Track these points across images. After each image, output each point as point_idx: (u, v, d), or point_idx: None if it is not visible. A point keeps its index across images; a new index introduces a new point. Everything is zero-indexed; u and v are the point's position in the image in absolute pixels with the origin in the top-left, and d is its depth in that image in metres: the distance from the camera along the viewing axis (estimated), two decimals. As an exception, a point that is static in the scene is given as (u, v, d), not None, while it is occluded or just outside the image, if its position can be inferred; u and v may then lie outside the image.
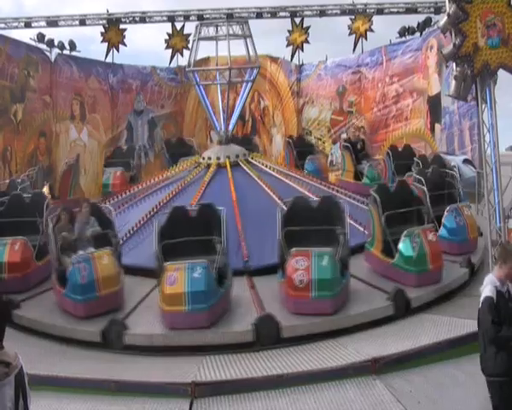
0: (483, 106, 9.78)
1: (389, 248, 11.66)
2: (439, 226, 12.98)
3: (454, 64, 9.89)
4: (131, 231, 13.72)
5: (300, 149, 21.34)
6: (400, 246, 11.42)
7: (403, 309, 10.61)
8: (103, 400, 8.17)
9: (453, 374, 8.42)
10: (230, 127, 17.09)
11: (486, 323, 5.96)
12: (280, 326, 9.87)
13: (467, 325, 9.63)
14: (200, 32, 16.96)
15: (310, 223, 11.19)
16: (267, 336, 9.83)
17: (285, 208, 11.73)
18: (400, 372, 8.46)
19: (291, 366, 8.78)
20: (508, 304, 6.03)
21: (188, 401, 8.01)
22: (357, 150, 19.62)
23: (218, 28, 17.19)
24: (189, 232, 10.98)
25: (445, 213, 13.12)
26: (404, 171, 16.51)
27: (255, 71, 17.29)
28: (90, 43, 26.78)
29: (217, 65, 17.83)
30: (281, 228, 11.08)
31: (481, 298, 6.04)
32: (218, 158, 15.98)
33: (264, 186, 15.02)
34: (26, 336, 10.37)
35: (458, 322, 9.91)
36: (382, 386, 8.13)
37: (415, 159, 16.70)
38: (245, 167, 15.84)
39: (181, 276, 10.02)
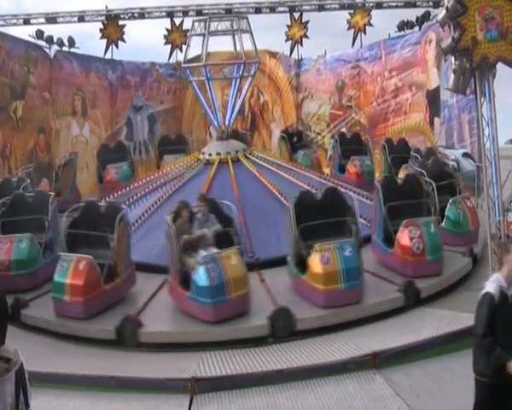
0: (482, 99, 9.79)
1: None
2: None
3: (453, 58, 9.89)
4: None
5: (349, 147, 20.47)
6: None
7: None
8: (103, 396, 8.20)
9: (452, 368, 8.42)
10: (230, 122, 17.04)
11: (481, 317, 5.76)
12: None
13: (467, 318, 9.60)
14: (207, 27, 16.80)
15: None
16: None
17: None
18: (400, 367, 8.48)
19: (291, 361, 8.80)
20: (508, 307, 5.74)
21: (188, 396, 8.03)
22: (294, 141, 20.37)
23: (217, 24, 17.12)
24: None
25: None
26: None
27: (255, 66, 17.24)
28: (89, 40, 26.79)
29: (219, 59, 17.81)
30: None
31: (482, 292, 5.88)
32: (219, 154, 15.89)
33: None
34: (32, 335, 10.42)
35: (458, 316, 9.91)
36: (382, 380, 8.15)
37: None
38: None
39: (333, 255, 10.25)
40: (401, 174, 15.30)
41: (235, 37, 16.94)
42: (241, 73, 17.07)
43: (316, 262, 10.30)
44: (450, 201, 13.24)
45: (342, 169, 19.39)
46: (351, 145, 19.89)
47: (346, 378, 8.28)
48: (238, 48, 16.92)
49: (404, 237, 11.39)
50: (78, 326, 10.27)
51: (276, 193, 14.34)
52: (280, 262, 11.76)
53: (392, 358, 8.59)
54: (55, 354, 9.66)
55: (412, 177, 13.32)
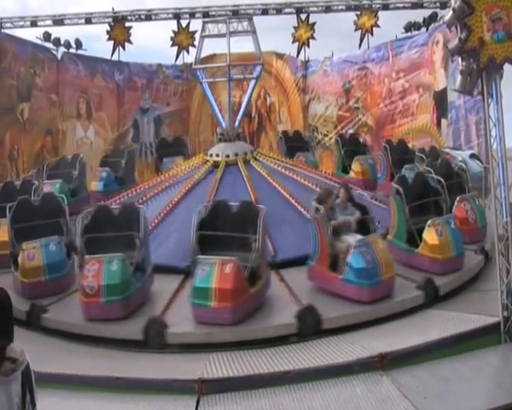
0: (489, 100, 9.74)
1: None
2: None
3: (460, 59, 9.86)
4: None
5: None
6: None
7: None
8: (109, 397, 8.17)
9: (460, 370, 8.40)
10: (236, 124, 17.04)
11: None
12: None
13: (474, 320, 9.63)
14: (207, 29, 16.88)
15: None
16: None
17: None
18: (407, 368, 8.44)
19: (297, 363, 8.77)
20: None
21: (195, 397, 8.02)
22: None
23: (224, 25, 17.14)
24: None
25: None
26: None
27: (259, 67, 17.22)
28: (95, 42, 26.81)
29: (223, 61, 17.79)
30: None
31: None
32: (227, 156, 15.84)
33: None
34: (43, 336, 10.41)
35: (466, 317, 9.87)
36: (389, 382, 8.11)
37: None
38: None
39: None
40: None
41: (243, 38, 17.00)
42: (257, 73, 17.09)
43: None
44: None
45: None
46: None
47: (353, 380, 8.24)
48: (249, 49, 16.93)
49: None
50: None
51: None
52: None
53: (400, 359, 8.56)
54: (65, 356, 9.67)
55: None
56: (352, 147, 19.85)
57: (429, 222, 11.82)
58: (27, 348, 4.25)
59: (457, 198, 13.23)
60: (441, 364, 8.54)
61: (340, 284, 10.62)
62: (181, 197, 14.72)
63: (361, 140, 21.22)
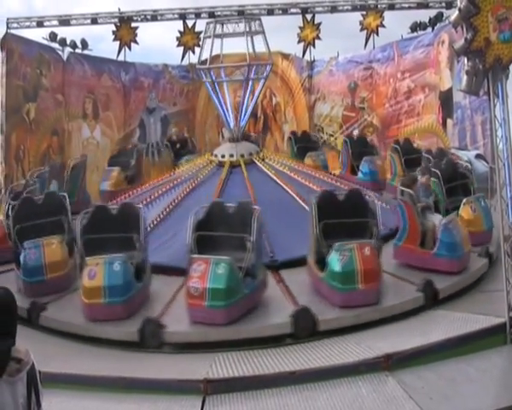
0: (495, 100, 9.73)
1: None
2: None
3: (465, 59, 9.84)
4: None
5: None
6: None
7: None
8: (114, 397, 8.20)
9: (465, 370, 8.39)
10: (242, 124, 17.04)
11: None
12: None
13: (479, 320, 9.62)
14: (214, 28, 16.85)
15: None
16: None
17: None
18: (413, 369, 8.44)
19: (303, 363, 8.78)
20: None
21: (200, 397, 8.03)
22: (177, 148, 20.71)
23: (230, 25, 17.14)
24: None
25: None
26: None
27: (268, 68, 17.22)
28: (100, 42, 26.81)
29: (225, 61, 17.82)
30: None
31: None
32: (232, 155, 15.85)
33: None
34: (46, 336, 10.46)
35: (471, 318, 9.86)
36: (395, 382, 8.12)
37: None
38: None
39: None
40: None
41: (249, 38, 16.95)
42: (253, 75, 17.05)
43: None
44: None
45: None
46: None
47: (359, 380, 8.24)
48: (251, 49, 16.89)
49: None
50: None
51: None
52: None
53: (405, 360, 8.56)
54: (69, 356, 9.69)
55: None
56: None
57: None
58: (29, 346, 4.26)
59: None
60: (447, 364, 8.53)
61: (431, 258, 11.57)
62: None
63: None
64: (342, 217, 11.22)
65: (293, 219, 13.07)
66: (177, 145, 20.93)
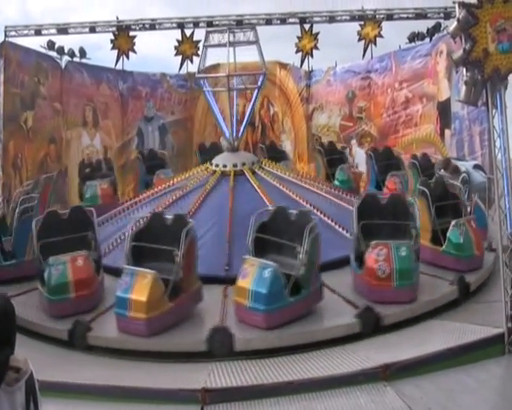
0: (493, 111, 9.74)
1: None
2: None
3: (464, 69, 9.86)
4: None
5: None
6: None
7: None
8: (112, 406, 8.18)
9: (464, 381, 8.37)
10: (240, 134, 17.03)
11: None
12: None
13: (478, 331, 9.62)
14: (211, 39, 16.88)
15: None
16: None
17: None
18: (411, 379, 8.43)
19: (301, 373, 8.77)
20: None
21: (198, 407, 8.01)
22: (85, 173, 19.43)
23: (228, 34, 17.15)
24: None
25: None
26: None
27: (261, 77, 17.21)
28: (97, 51, 26.78)
29: (224, 71, 17.84)
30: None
31: None
32: (235, 165, 15.73)
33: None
34: (44, 345, 10.44)
35: (469, 328, 9.88)
36: (393, 393, 8.10)
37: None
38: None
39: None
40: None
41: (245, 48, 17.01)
42: (260, 82, 17.09)
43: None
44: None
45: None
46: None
47: (357, 390, 8.23)
48: (253, 58, 16.93)
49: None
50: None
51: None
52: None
53: (404, 370, 8.55)
54: (64, 364, 9.66)
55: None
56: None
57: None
58: (30, 356, 4.23)
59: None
60: (445, 375, 8.52)
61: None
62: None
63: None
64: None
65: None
66: (87, 170, 19.62)
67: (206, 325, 10.26)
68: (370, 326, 10.28)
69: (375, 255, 11.04)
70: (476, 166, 17.49)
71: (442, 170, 15.21)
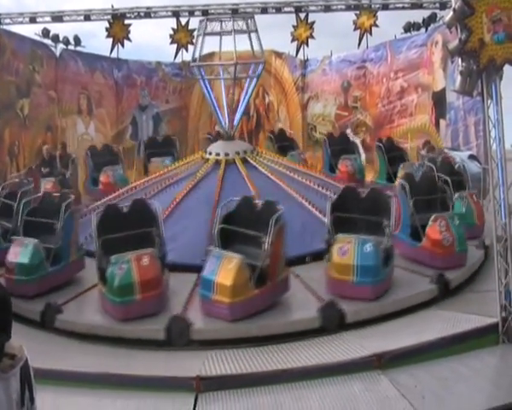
0: (489, 101, 9.75)
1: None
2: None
3: (459, 59, 9.86)
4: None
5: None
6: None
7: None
8: (106, 394, 8.17)
9: (458, 369, 8.42)
10: (235, 123, 17.02)
11: None
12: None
13: (472, 320, 9.65)
14: (205, 27, 16.83)
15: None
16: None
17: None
18: (405, 368, 8.46)
19: (296, 361, 8.79)
20: None
21: (193, 395, 8.02)
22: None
23: (224, 23, 17.11)
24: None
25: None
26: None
27: (260, 66, 17.20)
28: (91, 39, 26.70)
29: (220, 60, 17.82)
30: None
31: None
32: (227, 154, 15.72)
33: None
34: (40, 332, 10.44)
35: (463, 317, 9.91)
36: (387, 381, 8.13)
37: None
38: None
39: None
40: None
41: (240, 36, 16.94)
42: (259, 71, 17.07)
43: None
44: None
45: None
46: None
47: (351, 379, 8.26)
48: (257, 47, 16.87)
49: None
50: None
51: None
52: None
53: (398, 359, 8.58)
54: (59, 352, 9.66)
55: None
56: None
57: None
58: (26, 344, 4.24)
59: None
60: (439, 364, 8.56)
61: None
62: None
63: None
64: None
65: (293, 216, 13.03)
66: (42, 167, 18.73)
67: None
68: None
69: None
70: (471, 157, 17.56)
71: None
